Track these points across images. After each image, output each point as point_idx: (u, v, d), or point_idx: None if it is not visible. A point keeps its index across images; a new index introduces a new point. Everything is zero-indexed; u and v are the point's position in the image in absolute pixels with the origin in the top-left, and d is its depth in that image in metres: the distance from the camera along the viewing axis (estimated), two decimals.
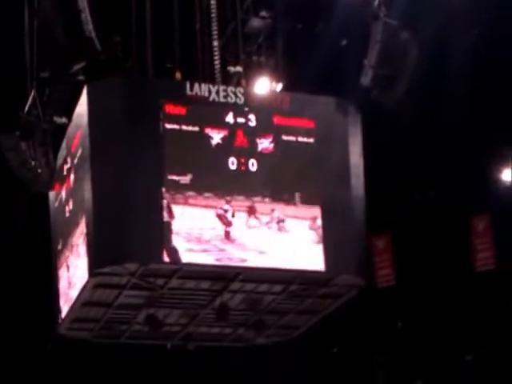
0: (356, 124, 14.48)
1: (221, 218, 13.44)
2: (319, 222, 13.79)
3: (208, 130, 13.59)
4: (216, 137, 13.61)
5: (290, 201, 13.77)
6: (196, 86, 13.67)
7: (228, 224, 13.43)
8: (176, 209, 13.17)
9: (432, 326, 25.03)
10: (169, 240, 13.08)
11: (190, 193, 13.27)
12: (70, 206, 14.56)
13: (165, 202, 13.11)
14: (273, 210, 13.67)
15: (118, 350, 18.22)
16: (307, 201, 13.83)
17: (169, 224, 13.13)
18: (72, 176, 14.43)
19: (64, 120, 14.21)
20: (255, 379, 29.83)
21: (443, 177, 20.58)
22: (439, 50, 16.35)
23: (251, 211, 13.58)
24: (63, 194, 15.04)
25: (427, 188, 21.95)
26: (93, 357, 25.53)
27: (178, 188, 13.24)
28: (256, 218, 13.60)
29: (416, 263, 22.33)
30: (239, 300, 14.76)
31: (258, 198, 13.62)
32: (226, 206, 13.47)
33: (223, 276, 13.92)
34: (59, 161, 14.98)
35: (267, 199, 13.66)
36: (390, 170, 19.95)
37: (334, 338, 27.87)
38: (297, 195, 13.76)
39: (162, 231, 13.08)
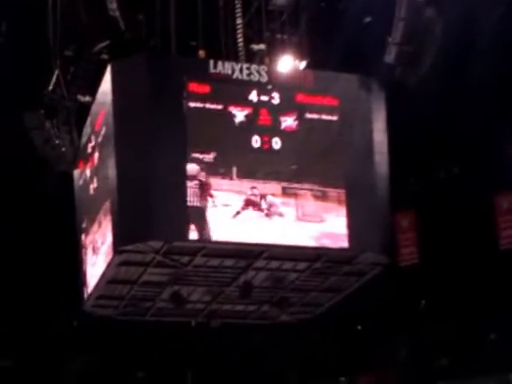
0: (380, 101, 14.43)
1: (248, 200, 13.45)
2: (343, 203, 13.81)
3: (231, 108, 13.58)
4: (239, 115, 13.60)
5: (313, 181, 13.76)
6: (219, 63, 13.66)
7: (253, 204, 13.43)
8: (201, 189, 13.22)
9: (456, 304, 24.96)
10: (194, 218, 13.13)
11: (215, 172, 13.29)
12: (95, 183, 14.63)
13: (189, 182, 13.15)
14: (294, 190, 13.68)
15: (142, 327, 18.33)
16: (331, 180, 13.83)
17: (195, 203, 13.17)
18: (96, 154, 14.48)
19: (88, 98, 14.27)
20: (279, 356, 29.93)
21: (467, 154, 20.47)
22: (464, 27, 16.20)
23: (276, 191, 13.60)
24: (87, 172, 15.11)
25: (451, 165, 21.84)
26: (117, 334, 25.71)
27: (202, 166, 13.27)
28: (280, 197, 13.61)
29: (440, 241, 22.24)
30: (263, 278, 14.81)
31: (282, 177, 13.62)
32: (251, 187, 13.47)
33: (247, 254, 13.96)
34: (83, 139, 15.04)
35: (290, 179, 13.65)
36: (414, 147, 19.85)
37: (358, 315, 27.90)
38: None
39: (186, 209, 13.12)
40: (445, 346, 26.31)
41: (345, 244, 13.82)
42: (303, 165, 13.73)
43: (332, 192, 13.83)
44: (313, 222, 13.70)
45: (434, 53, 13.53)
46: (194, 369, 30.93)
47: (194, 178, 13.16)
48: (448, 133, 19.63)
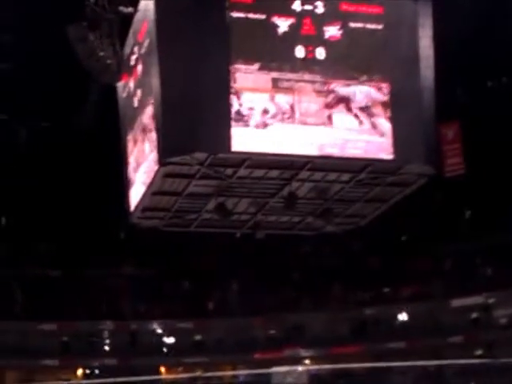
0: (426, 8, 14.12)
1: (292, 106, 13.39)
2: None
3: (275, 18, 13.42)
4: (283, 25, 13.44)
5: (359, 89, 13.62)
6: None
7: (298, 111, 13.37)
8: (245, 96, 13.18)
9: (501, 214, 24.90)
10: (236, 129, 13.13)
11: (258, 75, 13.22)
12: (139, 95, 14.63)
13: (233, 90, 13.09)
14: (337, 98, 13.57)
15: (187, 237, 18.54)
16: (376, 89, 13.69)
17: (236, 112, 13.16)
18: (140, 66, 14.44)
19: (130, 9, 14.16)
20: (323, 266, 30.22)
21: None
22: None
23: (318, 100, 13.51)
24: (131, 84, 15.10)
25: (500, 75, 21.47)
26: (164, 244, 26.10)
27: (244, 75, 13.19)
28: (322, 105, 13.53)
29: (486, 152, 22.06)
30: (308, 189, 14.84)
31: (325, 87, 13.51)
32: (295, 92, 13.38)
33: (292, 165, 13.96)
34: (126, 50, 14.99)
35: (335, 88, 13.53)
36: (461, 56, 19.52)
37: (403, 227, 27.96)
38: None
39: (230, 120, 13.10)
40: (488, 256, 26.37)
41: (390, 155, 13.75)
42: (348, 74, 13.59)
43: (377, 101, 13.71)
44: (356, 131, 13.62)
45: None
46: (238, 278, 31.41)
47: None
48: (497, 41, 19.24)
